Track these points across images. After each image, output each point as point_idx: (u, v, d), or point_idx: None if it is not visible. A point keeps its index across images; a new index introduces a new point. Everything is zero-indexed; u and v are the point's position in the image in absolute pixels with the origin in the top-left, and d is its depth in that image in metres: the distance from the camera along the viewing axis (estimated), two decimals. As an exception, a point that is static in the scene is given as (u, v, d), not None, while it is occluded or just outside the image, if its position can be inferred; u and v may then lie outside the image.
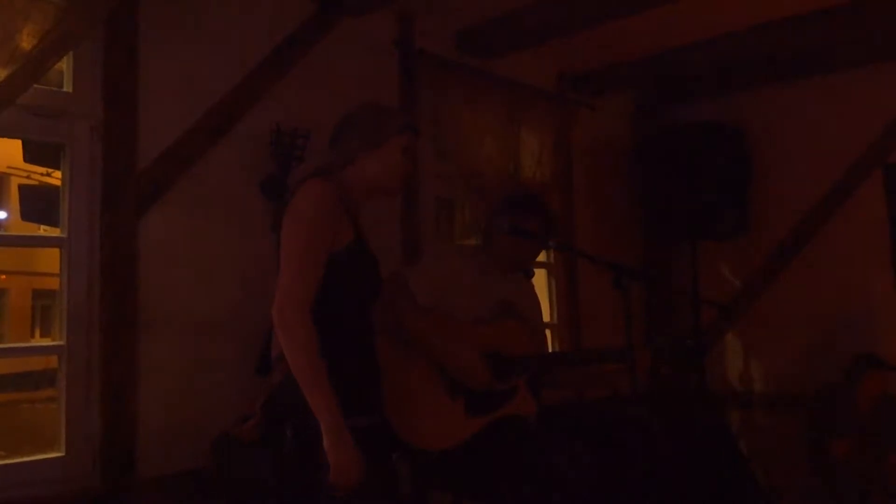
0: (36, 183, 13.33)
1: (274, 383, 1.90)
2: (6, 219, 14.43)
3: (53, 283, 2.69)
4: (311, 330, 1.76)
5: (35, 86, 2.24)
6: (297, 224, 1.85)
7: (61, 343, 2.38)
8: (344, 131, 2.05)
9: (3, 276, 15.67)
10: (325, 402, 1.73)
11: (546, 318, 3.72)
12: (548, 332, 3.56)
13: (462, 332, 2.45)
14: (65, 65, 2.42)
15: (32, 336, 16.38)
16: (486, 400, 2.41)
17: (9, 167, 13.25)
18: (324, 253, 1.84)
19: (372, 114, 2.07)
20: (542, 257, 3.92)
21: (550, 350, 2.86)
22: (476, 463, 2.37)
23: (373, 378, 1.98)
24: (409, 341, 2.39)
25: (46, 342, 10.13)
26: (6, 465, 2.29)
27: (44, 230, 12.14)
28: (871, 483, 3.49)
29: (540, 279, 3.87)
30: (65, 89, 2.43)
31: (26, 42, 2.10)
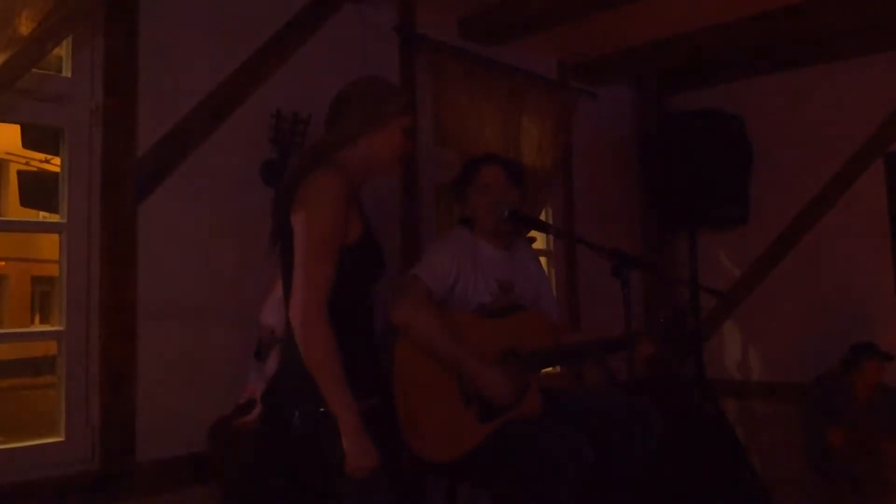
0: (35, 169, 13.30)
1: (269, 373, 1.89)
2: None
3: (53, 270, 2.70)
4: (329, 326, 1.76)
5: (34, 70, 2.23)
6: (314, 220, 1.80)
7: (61, 328, 2.38)
8: (343, 110, 1.97)
9: (3, 263, 15.66)
10: (345, 398, 1.74)
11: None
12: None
13: (483, 336, 2.41)
14: (64, 49, 2.41)
15: (32, 322, 16.40)
16: (497, 406, 2.38)
17: (7, 153, 13.22)
18: (338, 247, 1.82)
19: (372, 92, 2.00)
20: (541, 244, 3.92)
21: (559, 323, 2.85)
22: (476, 460, 2.35)
23: (374, 360, 1.99)
24: (439, 360, 2.33)
25: (46, 328, 10.15)
26: (6, 450, 2.28)
27: (43, 216, 12.12)
28: (867, 472, 3.51)
29: (539, 267, 3.86)
30: (64, 74, 2.42)
31: (25, 26, 2.08)
